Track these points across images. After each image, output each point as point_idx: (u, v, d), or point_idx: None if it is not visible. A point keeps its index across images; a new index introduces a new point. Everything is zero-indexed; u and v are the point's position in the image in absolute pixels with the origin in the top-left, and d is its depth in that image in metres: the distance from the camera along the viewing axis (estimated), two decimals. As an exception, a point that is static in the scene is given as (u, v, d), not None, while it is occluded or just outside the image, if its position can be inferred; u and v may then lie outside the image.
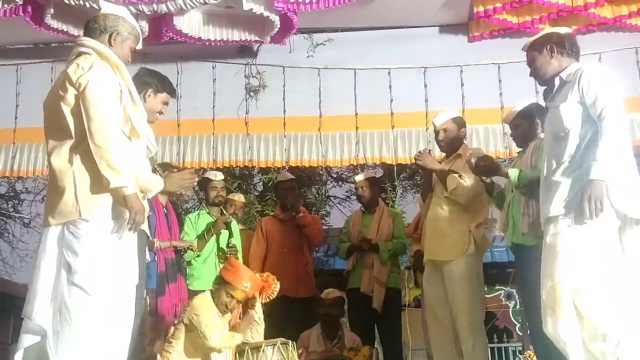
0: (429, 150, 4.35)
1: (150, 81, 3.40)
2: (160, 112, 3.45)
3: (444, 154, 4.38)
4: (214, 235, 4.79)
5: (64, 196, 2.73)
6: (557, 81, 3.15)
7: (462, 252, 4.00)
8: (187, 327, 3.44)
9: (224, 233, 4.82)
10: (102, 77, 2.79)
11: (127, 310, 2.81)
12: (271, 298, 3.81)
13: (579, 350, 2.83)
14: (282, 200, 5.42)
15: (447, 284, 4.04)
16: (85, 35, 3.00)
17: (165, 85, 3.45)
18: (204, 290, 4.59)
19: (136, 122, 2.90)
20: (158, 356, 3.48)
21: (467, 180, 4.03)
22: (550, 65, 3.17)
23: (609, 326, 2.78)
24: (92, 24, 2.99)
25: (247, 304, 3.78)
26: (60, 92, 2.80)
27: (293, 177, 5.57)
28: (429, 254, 4.20)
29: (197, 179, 3.79)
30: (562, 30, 3.29)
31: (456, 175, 4.06)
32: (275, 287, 3.80)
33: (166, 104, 3.47)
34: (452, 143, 4.25)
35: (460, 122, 4.30)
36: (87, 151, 2.72)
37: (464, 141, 4.35)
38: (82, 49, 2.92)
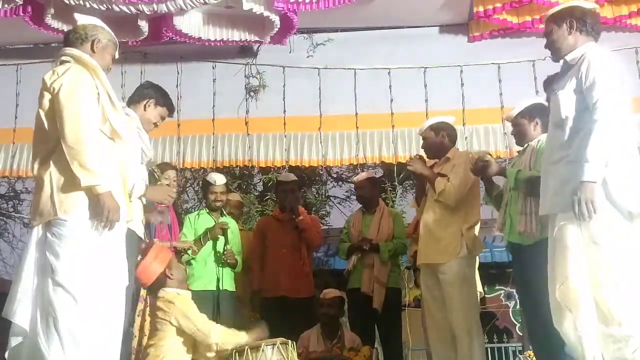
0: (420, 156, 4.38)
1: (153, 93, 3.58)
2: (155, 125, 3.62)
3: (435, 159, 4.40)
4: (210, 240, 4.76)
5: (42, 197, 2.81)
6: (562, 64, 3.10)
7: (454, 254, 4.05)
8: (177, 329, 3.37)
9: (221, 238, 4.81)
10: (75, 80, 2.87)
11: (115, 309, 2.84)
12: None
13: (596, 349, 2.78)
14: (282, 201, 5.40)
15: (442, 286, 4.08)
16: (65, 46, 3.08)
17: (166, 101, 3.63)
18: (204, 290, 4.63)
19: (115, 124, 2.96)
20: None
21: (454, 181, 4.08)
22: (567, 41, 3.07)
23: (634, 327, 2.74)
24: (72, 35, 3.09)
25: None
26: (39, 99, 2.90)
27: (295, 178, 5.55)
28: (422, 257, 4.23)
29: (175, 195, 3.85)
30: (587, 5, 3.16)
31: (444, 178, 4.11)
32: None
33: (163, 118, 3.65)
34: (433, 149, 4.32)
35: (438, 128, 4.31)
36: (63, 153, 2.79)
37: (453, 144, 4.34)
38: (62, 58, 3.01)
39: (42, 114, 2.89)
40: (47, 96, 2.88)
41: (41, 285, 2.74)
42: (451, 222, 4.12)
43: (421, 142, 4.47)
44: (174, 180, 4.52)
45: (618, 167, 2.83)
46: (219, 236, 4.76)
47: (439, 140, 4.30)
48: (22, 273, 2.79)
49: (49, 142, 2.87)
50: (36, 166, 2.90)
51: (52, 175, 2.81)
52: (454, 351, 4.07)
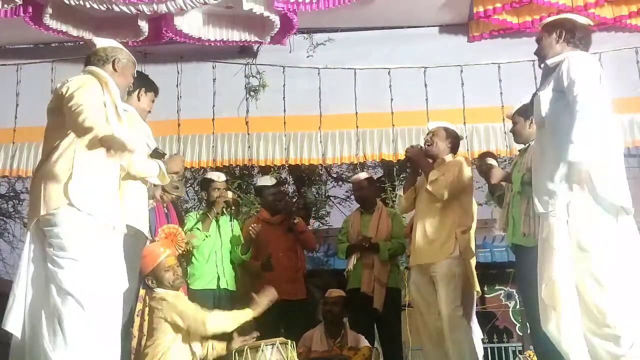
0: (420, 146, 4.39)
1: (140, 82, 3.58)
2: (149, 111, 3.67)
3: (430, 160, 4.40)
4: (216, 215, 4.77)
5: (33, 196, 2.84)
6: (543, 67, 3.17)
7: (447, 254, 4.08)
8: (172, 326, 3.38)
9: (227, 230, 4.82)
10: (83, 81, 2.93)
11: (115, 312, 2.84)
12: (182, 245, 3.88)
13: (581, 349, 2.81)
14: (271, 204, 5.33)
15: (435, 286, 4.10)
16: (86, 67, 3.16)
17: (152, 85, 3.68)
18: (204, 289, 4.63)
19: (117, 134, 2.95)
20: None
21: (448, 177, 4.11)
22: (553, 50, 3.16)
23: (624, 327, 2.76)
24: (94, 57, 3.16)
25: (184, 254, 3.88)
26: (49, 105, 2.97)
27: (275, 182, 5.57)
28: (415, 259, 4.25)
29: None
30: (580, 19, 3.26)
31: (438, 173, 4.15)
32: (181, 235, 3.86)
33: (153, 101, 3.70)
34: (435, 148, 4.33)
35: (450, 133, 4.36)
36: (63, 156, 2.81)
37: (452, 153, 4.36)
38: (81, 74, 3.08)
39: (50, 116, 2.94)
40: (56, 100, 2.92)
41: (42, 292, 2.74)
42: (445, 223, 4.15)
43: (425, 136, 4.42)
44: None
45: (602, 164, 2.86)
46: (225, 227, 4.78)
47: (444, 143, 4.32)
48: (17, 280, 2.81)
49: (49, 146, 2.89)
50: (37, 168, 2.93)
51: (46, 175, 2.82)
52: (445, 351, 4.07)
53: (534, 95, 3.20)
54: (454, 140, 4.38)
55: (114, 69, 3.12)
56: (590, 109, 2.81)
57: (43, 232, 2.79)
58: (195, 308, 3.41)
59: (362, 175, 5.66)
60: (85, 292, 2.70)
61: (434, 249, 4.12)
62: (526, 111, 3.79)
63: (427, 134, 4.40)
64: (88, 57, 3.20)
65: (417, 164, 4.34)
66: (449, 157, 4.32)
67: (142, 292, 3.93)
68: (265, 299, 3.60)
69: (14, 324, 2.76)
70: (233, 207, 4.92)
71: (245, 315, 3.49)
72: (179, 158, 3.85)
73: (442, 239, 4.12)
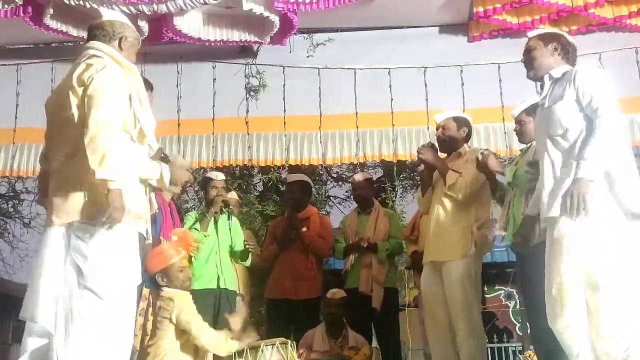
0: (432, 144, 4.30)
1: None
2: None
3: (445, 154, 4.36)
4: (215, 215, 4.75)
5: (69, 195, 2.72)
6: (546, 78, 3.17)
7: (462, 253, 3.99)
8: (175, 327, 3.39)
9: (225, 229, 4.81)
10: (111, 79, 2.81)
11: (132, 310, 2.84)
12: (192, 250, 3.81)
13: (585, 349, 2.81)
14: (286, 200, 5.42)
15: (446, 284, 4.02)
16: (90, 40, 3.02)
17: (146, 82, 3.56)
18: (204, 289, 4.63)
19: (145, 126, 2.91)
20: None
21: (467, 177, 4.04)
22: (547, 61, 3.18)
23: (621, 327, 2.76)
24: (99, 31, 3.01)
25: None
26: (70, 92, 2.81)
27: (299, 179, 5.52)
28: (430, 255, 4.16)
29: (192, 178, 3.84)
30: (570, 38, 3.30)
31: (456, 173, 4.06)
32: (192, 240, 3.80)
33: (151, 100, 3.57)
34: (450, 141, 4.25)
35: (461, 122, 4.28)
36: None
37: (466, 142, 4.32)
38: (93, 52, 2.95)
39: (74, 109, 2.78)
40: (80, 90, 2.78)
41: (66, 287, 2.69)
42: (460, 219, 4.05)
43: (437, 132, 4.35)
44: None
45: (623, 168, 2.87)
46: (223, 228, 4.76)
47: (457, 134, 4.24)
48: (42, 273, 2.72)
49: (77, 139, 2.74)
50: (60, 160, 2.80)
51: (83, 174, 2.70)
52: (454, 350, 4.05)
53: (541, 106, 3.19)
54: (468, 129, 4.29)
55: (120, 47, 2.99)
56: (609, 124, 2.86)
57: (76, 228, 2.72)
58: (199, 318, 3.38)
59: (362, 175, 5.68)
60: (106, 287, 2.68)
61: (448, 245, 4.02)
62: (535, 111, 3.79)
63: (437, 129, 4.31)
64: (92, 28, 3.05)
65: (431, 165, 4.22)
66: (464, 148, 4.24)
67: (146, 291, 3.93)
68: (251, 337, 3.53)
69: (47, 317, 2.68)
70: (231, 207, 4.91)
71: (234, 346, 3.40)
72: (185, 171, 3.74)
73: (458, 234, 4.02)
